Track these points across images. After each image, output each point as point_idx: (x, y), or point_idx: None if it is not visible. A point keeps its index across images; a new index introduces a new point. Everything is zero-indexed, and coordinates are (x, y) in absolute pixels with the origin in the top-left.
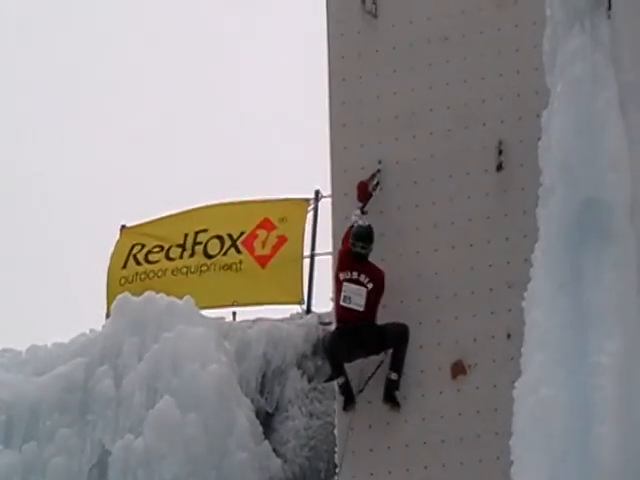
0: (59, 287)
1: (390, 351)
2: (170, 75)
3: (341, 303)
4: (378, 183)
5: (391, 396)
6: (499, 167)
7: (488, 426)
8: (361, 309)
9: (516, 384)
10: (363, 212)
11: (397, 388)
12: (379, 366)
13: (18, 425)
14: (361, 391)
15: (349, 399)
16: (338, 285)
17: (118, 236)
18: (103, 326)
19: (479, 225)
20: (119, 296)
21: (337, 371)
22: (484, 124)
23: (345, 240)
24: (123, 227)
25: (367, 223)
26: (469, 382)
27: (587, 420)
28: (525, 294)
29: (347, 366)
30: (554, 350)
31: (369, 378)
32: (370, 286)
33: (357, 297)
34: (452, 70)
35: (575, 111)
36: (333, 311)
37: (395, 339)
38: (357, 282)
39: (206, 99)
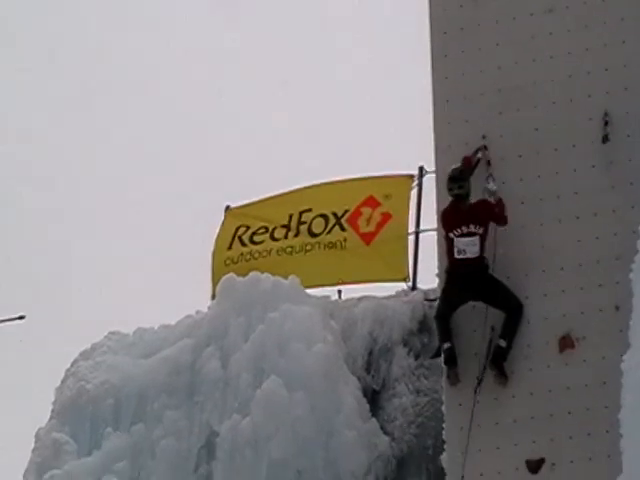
0: (165, 269)
1: (501, 320)
2: (275, 50)
3: (456, 256)
4: (480, 159)
5: (498, 364)
6: (605, 139)
7: (597, 400)
8: (478, 255)
9: (625, 357)
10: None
11: (505, 358)
12: (489, 349)
13: (126, 408)
14: (480, 381)
15: (453, 367)
16: (449, 243)
17: (223, 217)
18: (209, 307)
19: (585, 198)
20: (224, 277)
21: (444, 334)
22: (589, 96)
23: None
24: (227, 208)
25: (458, 164)
26: (577, 356)
27: None
28: (633, 266)
29: (458, 344)
30: None
31: (485, 365)
32: (481, 230)
33: (471, 247)
34: (556, 42)
35: None
36: (439, 286)
37: (508, 306)
38: (469, 234)
39: (307, 75)
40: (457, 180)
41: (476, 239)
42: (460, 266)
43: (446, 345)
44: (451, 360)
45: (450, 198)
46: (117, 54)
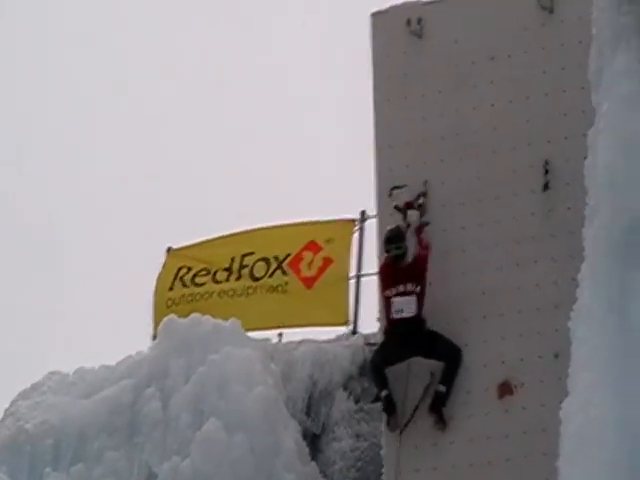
0: (105, 309)
1: (440, 368)
2: (212, 94)
3: (393, 316)
4: (422, 205)
5: (437, 410)
6: (545, 187)
7: (536, 447)
8: (415, 313)
9: (563, 404)
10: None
11: (444, 404)
12: (426, 390)
13: (66, 448)
14: (409, 421)
15: (392, 413)
16: (386, 302)
17: (164, 258)
18: (150, 348)
19: (525, 245)
20: (165, 318)
21: (381, 383)
22: (530, 144)
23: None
24: (169, 249)
25: (394, 225)
26: (516, 402)
27: (636, 441)
28: (572, 314)
29: (393, 388)
30: (602, 370)
31: (417, 405)
32: (418, 289)
33: (408, 306)
34: (497, 90)
35: (621, 130)
36: (380, 328)
37: (448, 355)
38: (405, 293)
39: (251, 120)
40: (394, 241)
41: (413, 298)
42: (398, 326)
43: (384, 393)
44: (389, 407)
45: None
46: None
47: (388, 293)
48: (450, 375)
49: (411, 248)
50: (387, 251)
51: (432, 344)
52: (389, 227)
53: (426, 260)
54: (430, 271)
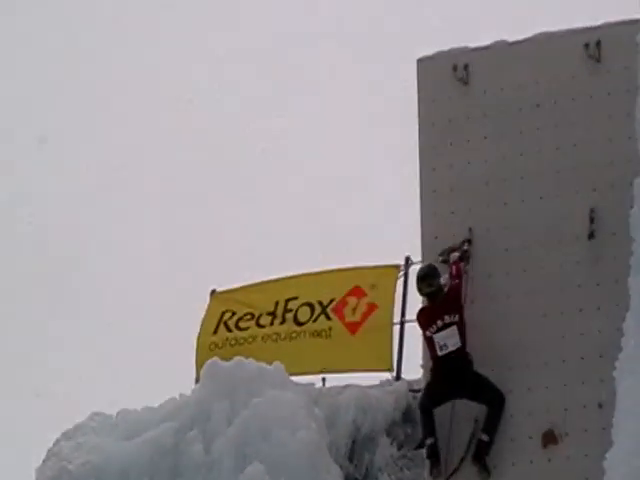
0: (148, 351)
1: (483, 414)
2: (252, 137)
3: (439, 354)
4: (467, 251)
5: (480, 459)
6: (591, 235)
7: None
8: (460, 345)
9: (607, 455)
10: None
11: (487, 453)
12: (471, 439)
13: None
14: (455, 471)
15: (436, 462)
16: (429, 343)
17: (208, 300)
18: (193, 390)
19: (570, 293)
20: (209, 361)
21: (428, 429)
22: (576, 192)
23: None
24: (213, 292)
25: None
26: (560, 452)
27: None
28: (617, 363)
29: (440, 436)
30: None
31: (463, 455)
32: (457, 318)
33: (451, 339)
34: (543, 137)
35: None
36: (424, 374)
37: (491, 400)
38: (445, 326)
39: (298, 164)
40: (425, 279)
41: (454, 329)
42: (444, 362)
43: (429, 441)
44: (434, 456)
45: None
46: None
47: (429, 333)
48: (493, 423)
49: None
50: (419, 289)
51: (478, 386)
52: (420, 266)
53: (459, 289)
54: (474, 317)
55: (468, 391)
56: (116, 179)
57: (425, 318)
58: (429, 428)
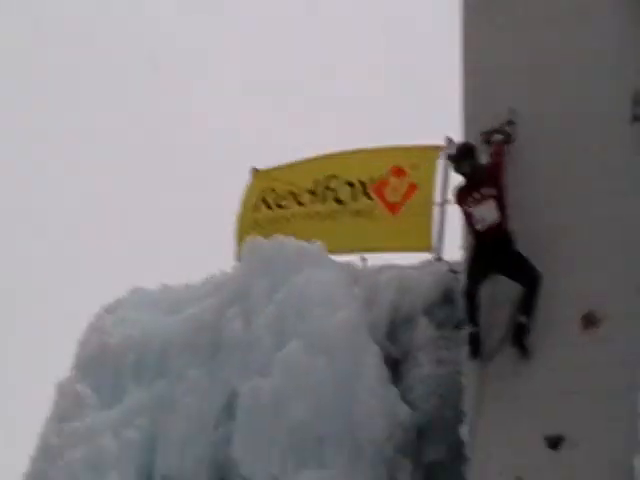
0: (190, 228)
1: (521, 295)
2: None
3: (477, 228)
4: (509, 133)
5: (520, 341)
6: (636, 117)
7: (618, 379)
8: (498, 219)
9: None
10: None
11: (526, 334)
12: (509, 325)
13: (149, 364)
14: (495, 352)
15: (476, 350)
16: (468, 218)
17: (250, 179)
18: (233, 268)
19: (616, 177)
20: (249, 239)
21: (471, 316)
22: (620, 74)
23: None
24: (255, 170)
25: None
26: (600, 334)
27: None
28: None
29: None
30: None
31: (502, 339)
32: (494, 191)
33: (489, 213)
34: (589, 25)
35: None
36: (464, 258)
37: (529, 279)
38: (482, 200)
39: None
40: (463, 156)
41: (491, 202)
42: (484, 237)
43: (472, 329)
44: (474, 344)
45: None
46: None
47: (467, 208)
48: (530, 305)
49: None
50: (456, 168)
51: (517, 263)
52: (459, 143)
53: (499, 167)
54: (517, 201)
55: (507, 267)
56: None
57: (463, 193)
58: (472, 315)
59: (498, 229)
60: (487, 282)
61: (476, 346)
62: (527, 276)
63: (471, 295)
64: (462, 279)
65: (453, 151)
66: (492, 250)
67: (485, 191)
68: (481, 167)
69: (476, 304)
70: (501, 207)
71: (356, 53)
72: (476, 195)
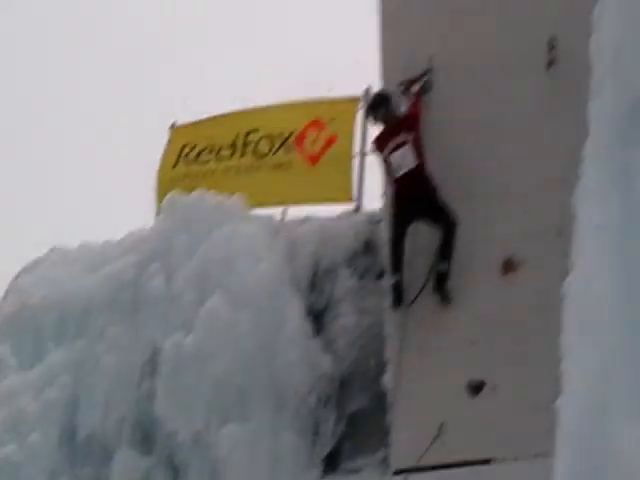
0: (108, 185)
1: (439, 242)
2: None
3: (396, 176)
4: (428, 81)
5: (441, 288)
6: (551, 62)
7: (537, 323)
8: (415, 164)
9: (567, 280)
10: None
11: (447, 279)
12: (430, 273)
13: (69, 323)
14: (414, 300)
15: (398, 299)
16: (387, 166)
17: (169, 134)
18: (153, 224)
19: (531, 122)
20: (169, 194)
21: (394, 265)
22: (536, 20)
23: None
24: (173, 125)
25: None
26: (519, 279)
27: (638, 315)
28: (576, 190)
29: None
30: (605, 246)
31: (424, 285)
32: (410, 137)
33: (406, 158)
34: None
35: (627, 5)
36: (385, 207)
37: (446, 224)
38: (398, 146)
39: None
40: (374, 107)
41: (408, 147)
42: (403, 183)
43: (394, 279)
44: (397, 293)
45: None
46: None
47: (385, 155)
48: (448, 250)
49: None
50: (373, 118)
51: (436, 209)
52: (374, 93)
53: (416, 114)
54: (434, 147)
55: (427, 213)
56: None
57: (380, 140)
58: (395, 263)
59: (417, 174)
60: (409, 230)
61: (399, 295)
62: (444, 221)
63: (395, 243)
64: (383, 229)
65: (370, 101)
66: (412, 196)
67: (402, 137)
68: (398, 115)
69: (400, 252)
70: (418, 153)
71: None
72: (393, 142)
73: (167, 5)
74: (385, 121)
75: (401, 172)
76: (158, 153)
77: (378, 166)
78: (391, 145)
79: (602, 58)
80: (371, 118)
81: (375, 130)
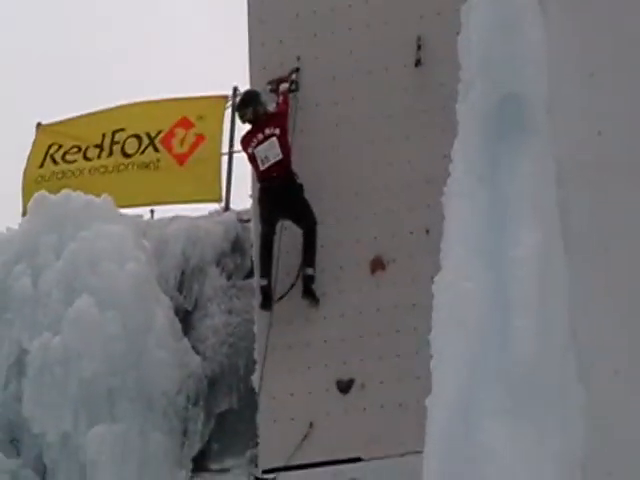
0: None
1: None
2: None
3: (261, 168)
4: (295, 81)
5: (309, 291)
6: (418, 62)
7: (406, 321)
8: (280, 157)
9: (435, 278)
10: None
11: (313, 282)
12: (298, 274)
13: None
14: (281, 298)
15: (267, 301)
16: (252, 160)
17: (34, 134)
18: (19, 224)
19: (397, 121)
20: (36, 194)
21: (263, 268)
22: (403, 19)
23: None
24: (39, 125)
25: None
26: (387, 278)
27: (506, 313)
28: (444, 188)
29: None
30: (473, 244)
31: (291, 287)
32: (277, 131)
33: (272, 150)
34: None
35: (494, 5)
36: (253, 206)
37: (307, 224)
38: (264, 139)
39: None
40: (248, 104)
41: (273, 140)
42: (268, 176)
43: (263, 282)
44: (266, 296)
45: None
46: None
47: (250, 150)
48: (312, 252)
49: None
50: (241, 116)
51: (301, 206)
52: (243, 91)
53: (284, 112)
54: (301, 146)
55: (292, 209)
56: None
57: (247, 137)
58: (264, 266)
59: (282, 167)
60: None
61: (268, 298)
62: (306, 219)
63: (264, 245)
64: (251, 228)
65: (239, 101)
66: (277, 190)
67: (267, 131)
68: (265, 113)
69: (268, 254)
70: (285, 147)
71: None
72: (259, 136)
73: None
74: (254, 119)
75: (267, 164)
76: (24, 153)
77: (247, 165)
78: (258, 139)
79: (471, 57)
80: (240, 116)
81: (244, 128)
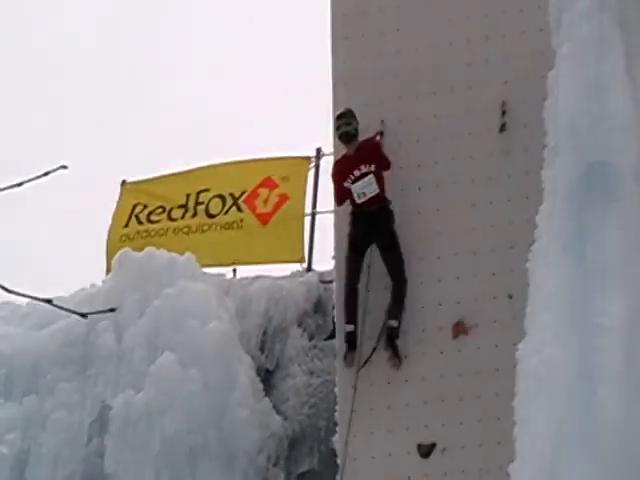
0: (59, 241)
1: (389, 300)
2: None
3: (358, 202)
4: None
5: (392, 344)
6: (502, 128)
7: (488, 386)
8: (377, 191)
9: (520, 345)
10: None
11: (397, 336)
12: (382, 332)
13: (18, 379)
14: (366, 362)
15: (352, 349)
16: (349, 195)
17: (119, 192)
18: (104, 281)
19: (481, 186)
20: (120, 251)
21: (350, 314)
22: (488, 84)
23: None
24: (124, 182)
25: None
26: (470, 342)
27: (591, 381)
28: (528, 255)
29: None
30: (558, 311)
31: (373, 350)
32: (373, 167)
33: (369, 187)
34: (455, 29)
35: (581, 72)
36: (335, 267)
37: (398, 276)
38: (362, 176)
39: (206, 58)
40: (344, 116)
41: (371, 177)
42: (364, 207)
43: (349, 328)
44: (351, 343)
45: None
46: None
47: (347, 184)
48: (399, 306)
49: None
50: (337, 128)
51: (392, 243)
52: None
53: (377, 143)
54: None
55: (385, 234)
56: None
57: (341, 168)
58: (351, 312)
59: (377, 199)
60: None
61: (352, 345)
62: (397, 271)
63: (351, 289)
64: (334, 289)
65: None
66: (373, 212)
67: (364, 168)
68: (356, 136)
69: (355, 300)
70: (379, 182)
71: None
72: (356, 173)
73: None
74: (347, 136)
75: (363, 199)
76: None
77: (329, 226)
78: (353, 177)
79: (557, 123)
80: (345, 124)
81: (326, 190)
